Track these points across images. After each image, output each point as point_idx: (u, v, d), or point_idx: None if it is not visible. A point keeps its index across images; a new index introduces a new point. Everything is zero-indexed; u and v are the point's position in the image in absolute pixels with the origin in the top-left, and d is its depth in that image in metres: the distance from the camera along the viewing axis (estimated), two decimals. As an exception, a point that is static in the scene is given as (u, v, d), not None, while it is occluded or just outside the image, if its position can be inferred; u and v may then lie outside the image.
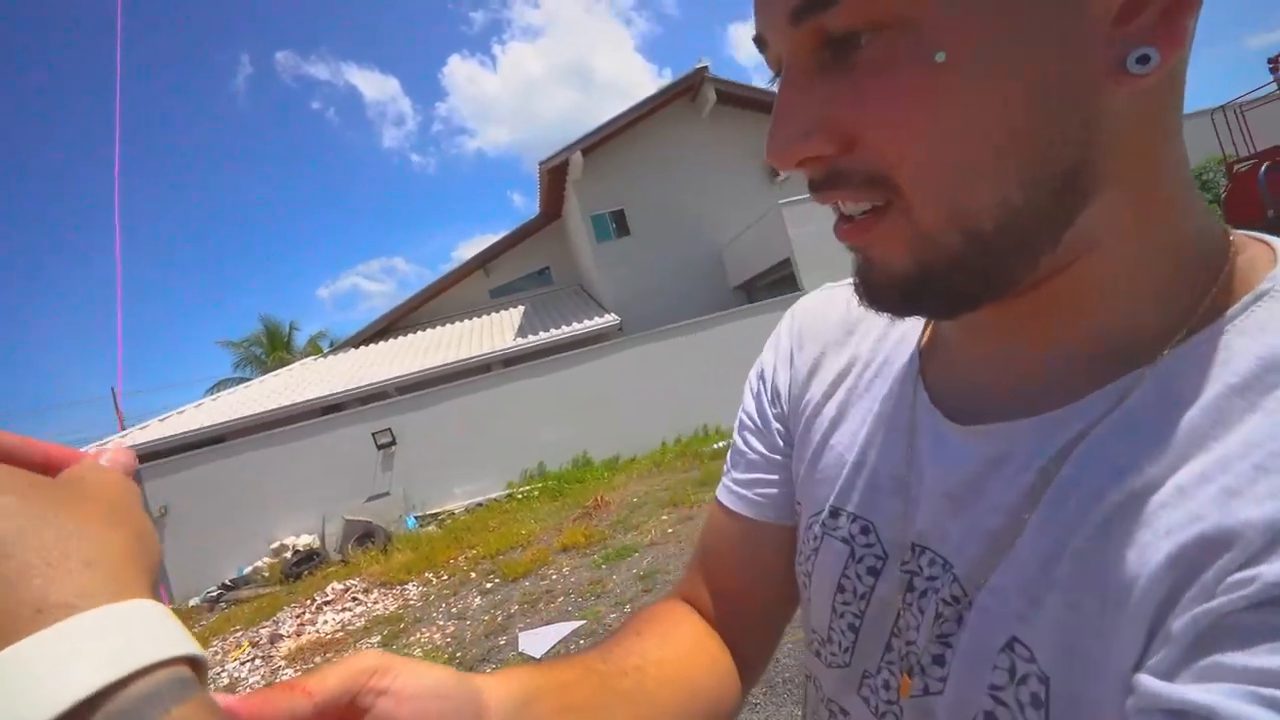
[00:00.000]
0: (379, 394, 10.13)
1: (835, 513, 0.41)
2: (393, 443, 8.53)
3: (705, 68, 12.67)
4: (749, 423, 0.53)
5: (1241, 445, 0.24)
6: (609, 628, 3.71)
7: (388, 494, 8.34)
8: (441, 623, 4.65)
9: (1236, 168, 8.43)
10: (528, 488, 8.61)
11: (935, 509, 0.35)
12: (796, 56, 0.29)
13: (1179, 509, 0.25)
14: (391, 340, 13.78)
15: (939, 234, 0.28)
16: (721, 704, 0.48)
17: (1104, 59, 0.25)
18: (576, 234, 13.98)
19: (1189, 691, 0.21)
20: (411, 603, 5.34)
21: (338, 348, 15.15)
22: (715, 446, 8.18)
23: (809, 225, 9.58)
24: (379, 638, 4.69)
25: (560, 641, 3.71)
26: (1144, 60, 0.25)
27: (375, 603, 5.58)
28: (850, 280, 0.38)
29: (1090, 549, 0.27)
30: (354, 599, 5.70)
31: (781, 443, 0.50)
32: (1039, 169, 0.26)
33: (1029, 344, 0.33)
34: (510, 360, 10.95)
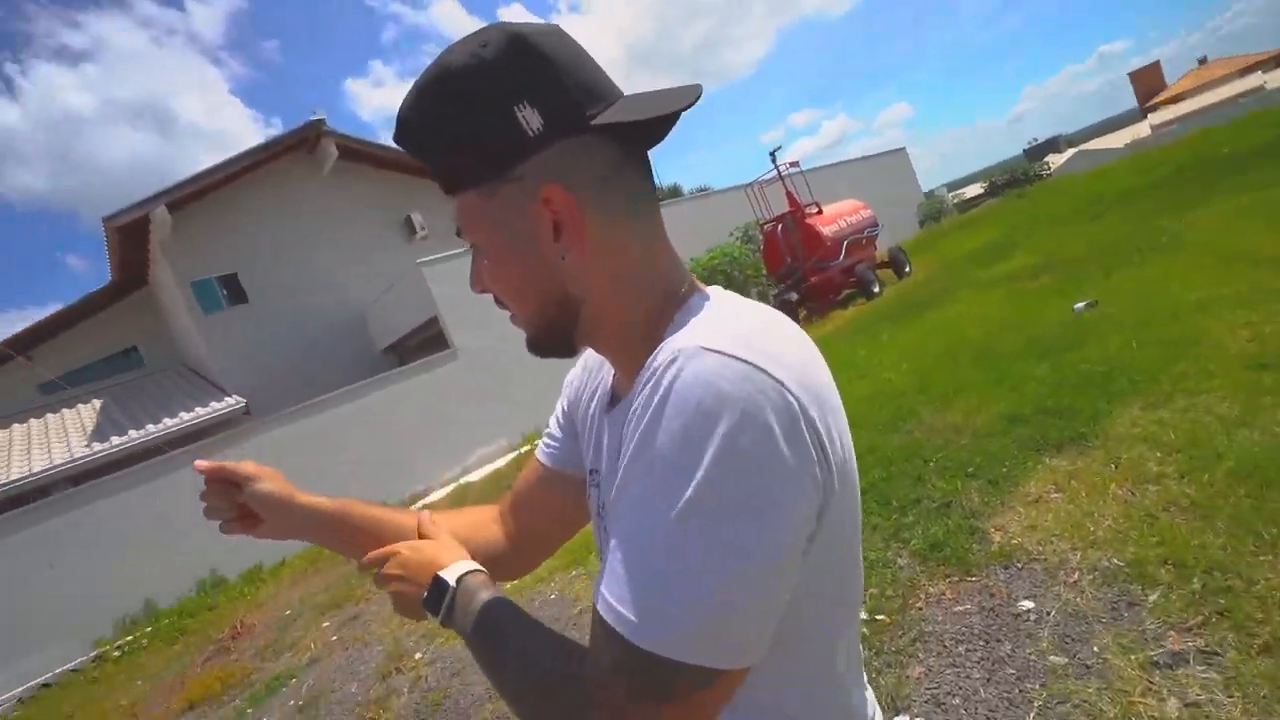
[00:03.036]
0: None
1: (591, 471, 0.68)
2: None
3: (321, 120, 11.81)
4: (556, 409, 0.79)
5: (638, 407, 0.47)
6: (260, 791, 3.00)
7: None
8: None
9: (765, 227, 11.42)
10: (130, 639, 6.56)
11: (606, 460, 0.62)
12: (469, 244, 0.56)
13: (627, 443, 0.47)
14: None
15: (525, 325, 0.58)
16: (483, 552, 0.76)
17: (553, 253, 0.52)
18: (174, 305, 11.46)
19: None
20: None
21: None
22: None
23: (450, 282, 9.61)
24: None
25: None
26: (563, 256, 0.52)
27: None
28: None
29: (619, 450, 0.48)
30: None
31: (565, 423, 0.77)
32: (544, 298, 0.54)
33: (619, 374, 0.62)
34: (82, 476, 8.29)
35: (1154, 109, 32.17)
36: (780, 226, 10.89)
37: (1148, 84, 37.53)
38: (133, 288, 12.14)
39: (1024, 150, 35.85)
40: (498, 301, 0.58)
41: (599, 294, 0.54)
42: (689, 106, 0.50)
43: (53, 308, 11.60)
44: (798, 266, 10.37)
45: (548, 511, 0.79)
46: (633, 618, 0.41)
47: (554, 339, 0.56)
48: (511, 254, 0.53)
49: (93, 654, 6.51)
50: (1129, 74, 39.20)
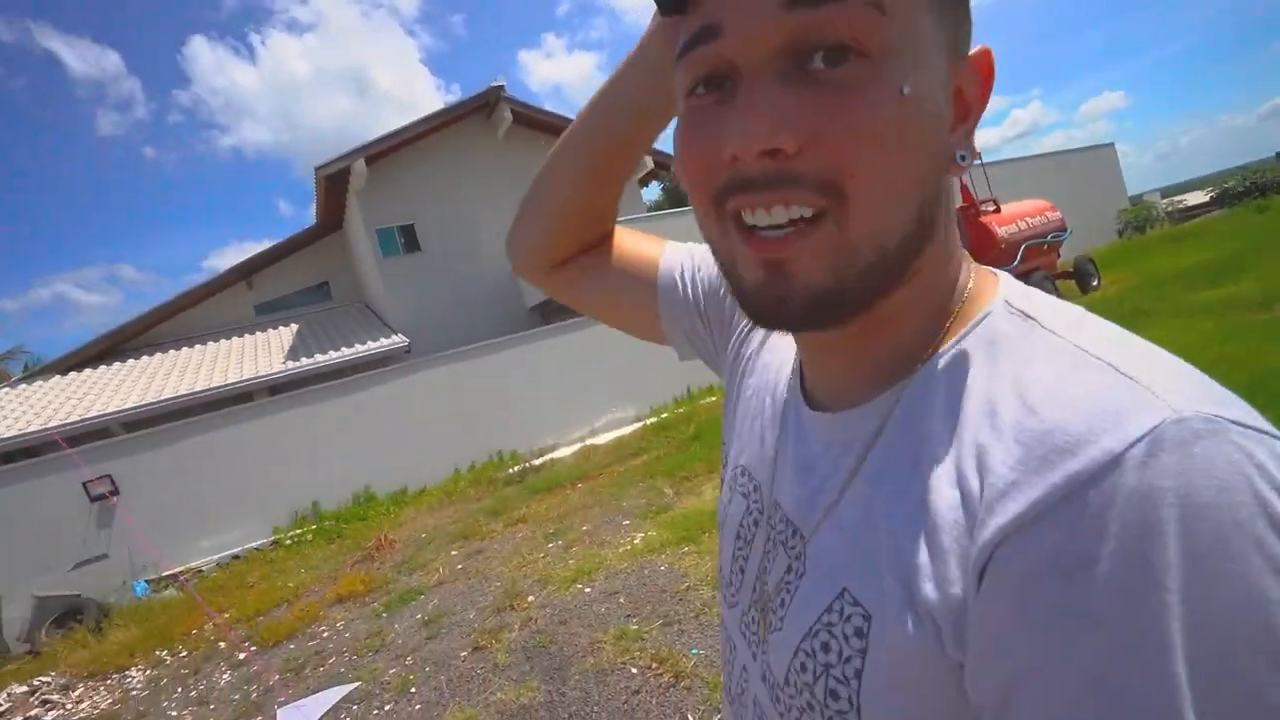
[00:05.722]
0: (96, 431, 8.27)
1: (744, 471, 0.50)
2: (114, 492, 7.00)
3: (502, 86, 12.55)
4: (703, 270, 0.63)
5: (977, 424, 0.32)
6: (386, 686, 3.40)
7: (105, 557, 6.81)
8: (175, 713, 3.88)
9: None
10: (299, 532, 7.63)
11: (789, 477, 0.44)
12: (768, 52, 0.31)
13: (955, 452, 0.32)
14: (118, 364, 11.36)
15: (861, 246, 0.32)
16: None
17: (947, 149, 0.34)
18: (360, 248, 12.89)
19: None
20: (135, 693, 4.37)
21: (35, 373, 12.10)
22: (510, 472, 8.03)
23: (602, 251, 9.90)
24: (81, 746, 3.76)
25: (329, 712, 3.30)
26: (964, 159, 0.34)
27: (79, 701, 4.48)
28: None
29: (890, 496, 0.35)
30: (44, 702, 4.51)
31: (700, 289, 0.62)
32: (923, 205, 0.34)
33: (853, 356, 0.40)
34: (278, 387, 9.68)
35: None
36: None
37: None
38: (329, 230, 13.82)
39: (1277, 153, 29.74)
40: (810, 186, 0.31)
41: (944, 233, 0.37)
42: None
43: (264, 242, 13.45)
44: (962, 267, 9.49)
45: (620, 293, 0.66)
46: None
47: (884, 277, 0.34)
48: (924, 116, 0.32)
49: (270, 539, 7.66)
50: None
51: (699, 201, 0.36)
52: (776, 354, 0.52)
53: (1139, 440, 0.24)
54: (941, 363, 0.36)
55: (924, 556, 0.31)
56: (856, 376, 0.40)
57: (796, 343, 0.46)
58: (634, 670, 2.85)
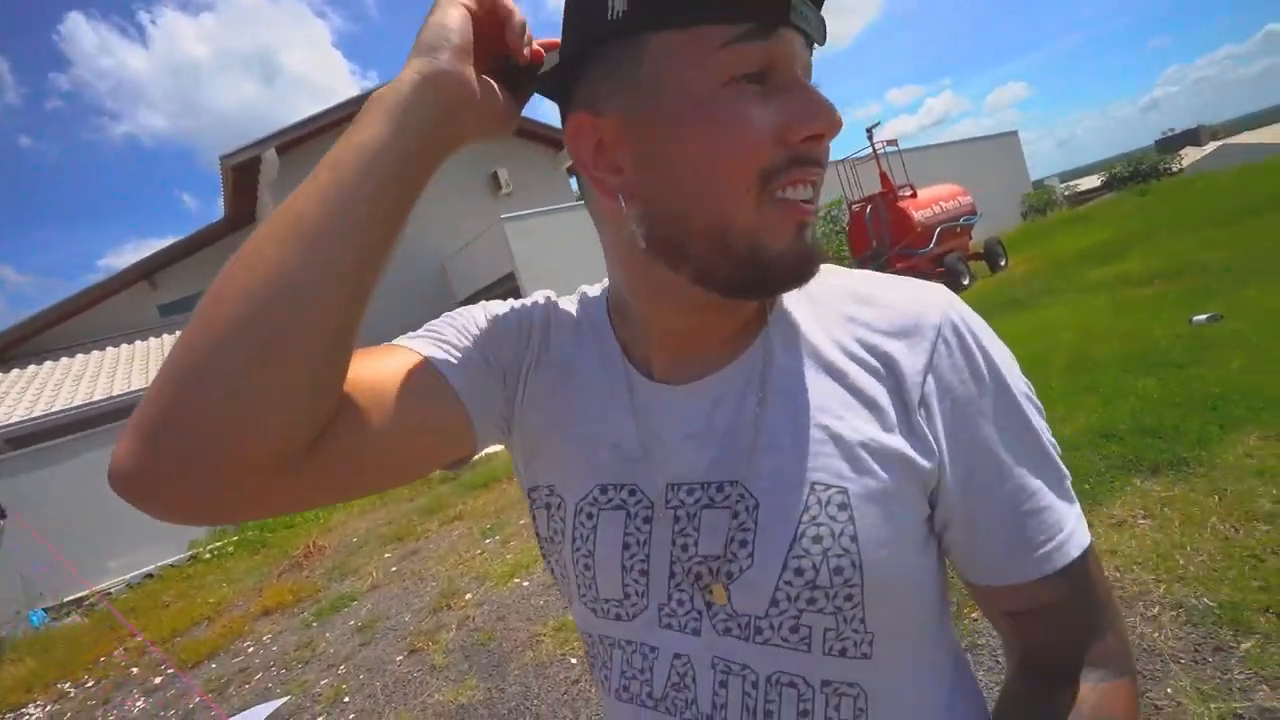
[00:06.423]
0: (-23, 450, 7.52)
1: (603, 489, 0.49)
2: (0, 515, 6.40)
3: (420, 72, 12.10)
4: (485, 330, 0.53)
5: (844, 329, 0.47)
6: (318, 699, 3.26)
7: (-6, 586, 6.24)
8: (81, 746, 3.60)
9: (853, 207, 10.93)
10: (218, 544, 7.21)
11: (681, 453, 0.47)
12: (804, 63, 0.42)
13: (842, 350, 0.45)
14: (1, 374, 10.36)
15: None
16: None
17: None
18: (275, 241, 12.19)
19: None
20: (33, 729, 4.04)
21: (-98, 389, 10.85)
22: (440, 470, 7.83)
23: (530, 239, 9.75)
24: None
25: (256, 730, 3.14)
26: None
27: (-31, 742, 4.09)
28: (553, 293, 0.59)
29: (808, 403, 0.44)
30: (-71, 746, 4.10)
31: (485, 353, 0.51)
32: None
33: (737, 318, 0.48)
34: (188, 392, 9.06)
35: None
36: (869, 208, 10.40)
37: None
38: (240, 224, 13.00)
39: (1156, 141, 32.37)
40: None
41: None
42: None
43: (169, 239, 12.54)
44: (882, 251, 9.90)
45: (421, 433, 0.47)
46: (1086, 539, 0.45)
47: None
48: None
49: (188, 554, 7.21)
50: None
51: (742, 178, 0.39)
52: (581, 375, 0.52)
53: (946, 304, 0.45)
54: (782, 308, 0.48)
55: (869, 419, 0.43)
56: (728, 335, 0.48)
57: (653, 337, 0.50)
58: (574, 660, 2.85)
